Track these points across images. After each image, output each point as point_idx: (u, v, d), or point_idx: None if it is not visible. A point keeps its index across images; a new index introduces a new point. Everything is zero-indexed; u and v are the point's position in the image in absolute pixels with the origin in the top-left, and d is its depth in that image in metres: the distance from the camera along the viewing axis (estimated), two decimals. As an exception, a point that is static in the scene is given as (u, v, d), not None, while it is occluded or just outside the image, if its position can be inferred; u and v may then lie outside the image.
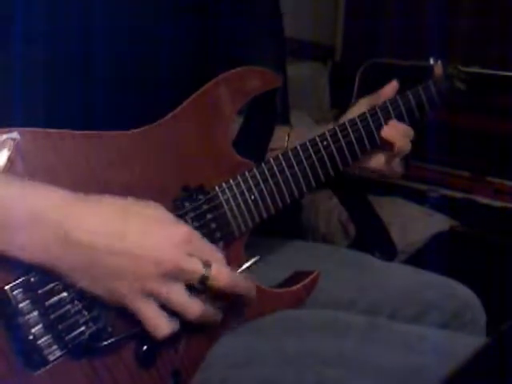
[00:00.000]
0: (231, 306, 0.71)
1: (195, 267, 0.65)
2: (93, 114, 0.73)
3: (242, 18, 0.89)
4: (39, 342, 0.63)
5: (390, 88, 0.97)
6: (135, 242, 0.63)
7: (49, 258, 0.61)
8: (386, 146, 0.94)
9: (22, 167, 0.65)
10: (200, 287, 0.66)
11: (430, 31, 2.35)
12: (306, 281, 0.83)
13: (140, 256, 0.63)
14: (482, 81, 1.12)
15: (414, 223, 1.92)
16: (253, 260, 0.73)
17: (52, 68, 0.72)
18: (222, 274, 0.66)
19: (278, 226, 0.87)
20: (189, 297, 0.65)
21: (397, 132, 0.93)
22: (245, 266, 0.72)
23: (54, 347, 0.64)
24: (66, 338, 0.64)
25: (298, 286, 0.83)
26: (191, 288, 0.66)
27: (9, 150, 0.64)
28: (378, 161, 0.96)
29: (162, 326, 0.65)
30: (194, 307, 0.66)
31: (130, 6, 0.75)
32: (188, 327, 0.70)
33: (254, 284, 0.72)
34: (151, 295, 0.64)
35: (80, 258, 0.62)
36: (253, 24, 0.92)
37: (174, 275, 0.64)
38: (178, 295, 0.65)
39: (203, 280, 0.65)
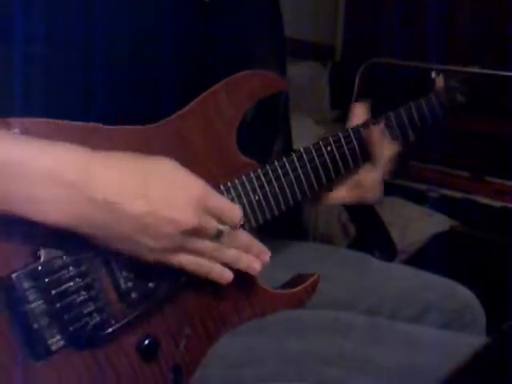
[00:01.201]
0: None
1: (210, 228, 0.67)
2: (93, 113, 0.73)
3: (241, 18, 0.89)
4: (43, 331, 0.63)
5: (360, 109, 0.95)
6: (154, 202, 0.64)
7: (74, 218, 0.62)
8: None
9: None
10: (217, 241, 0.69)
11: (430, 31, 2.35)
12: (307, 283, 0.84)
13: (159, 216, 0.64)
14: (481, 81, 1.12)
15: (414, 223, 1.92)
16: None
17: (52, 67, 0.72)
18: (235, 236, 0.70)
19: (279, 226, 0.87)
20: (215, 243, 0.69)
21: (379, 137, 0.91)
22: None
23: (58, 337, 0.64)
24: (70, 328, 0.65)
25: (299, 287, 0.83)
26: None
27: None
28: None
29: (205, 264, 0.69)
30: (223, 249, 0.70)
31: (130, 5, 0.75)
32: (190, 322, 0.70)
33: (266, 250, 0.74)
34: (180, 249, 0.67)
35: (105, 216, 0.62)
36: (253, 24, 0.92)
37: (192, 233, 0.66)
38: (204, 244, 0.68)
39: (218, 238, 0.68)
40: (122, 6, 0.74)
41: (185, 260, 0.68)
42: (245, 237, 0.72)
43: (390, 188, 2.06)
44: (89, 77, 0.74)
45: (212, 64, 0.84)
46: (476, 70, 1.13)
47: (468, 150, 2.10)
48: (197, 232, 0.66)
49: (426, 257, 1.84)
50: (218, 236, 0.68)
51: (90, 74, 0.73)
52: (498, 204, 1.96)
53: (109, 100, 0.74)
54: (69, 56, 0.72)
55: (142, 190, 0.64)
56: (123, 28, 0.75)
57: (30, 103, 0.70)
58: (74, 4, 0.72)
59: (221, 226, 0.68)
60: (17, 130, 0.64)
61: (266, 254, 0.74)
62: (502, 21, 2.36)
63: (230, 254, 0.71)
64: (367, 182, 0.92)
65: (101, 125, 0.69)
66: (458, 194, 2.04)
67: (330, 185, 0.90)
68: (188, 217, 0.65)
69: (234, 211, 0.70)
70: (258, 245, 0.74)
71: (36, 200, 0.60)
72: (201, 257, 0.69)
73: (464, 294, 0.96)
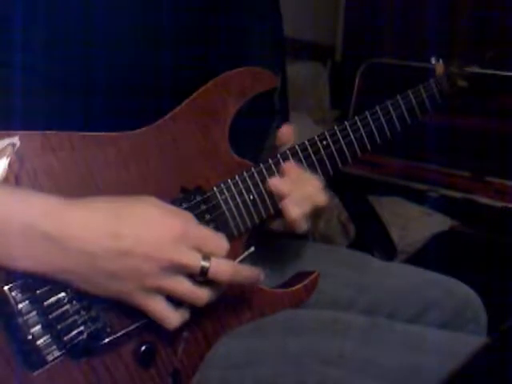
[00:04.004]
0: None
1: (194, 262, 0.65)
2: (92, 121, 0.73)
3: (241, 18, 0.89)
4: (38, 342, 0.63)
5: (287, 131, 0.88)
6: (130, 242, 0.62)
7: (50, 268, 0.62)
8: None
9: (21, 171, 0.65)
10: (201, 279, 0.66)
11: (430, 31, 2.35)
12: (306, 281, 0.83)
13: (136, 256, 0.63)
14: (481, 81, 1.12)
15: (414, 223, 1.92)
16: (247, 252, 0.72)
17: (52, 76, 0.72)
18: (221, 266, 0.66)
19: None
20: (194, 285, 0.66)
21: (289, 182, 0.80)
22: (240, 259, 0.71)
23: (53, 347, 0.64)
24: (65, 337, 0.64)
25: (298, 286, 0.83)
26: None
27: (8, 156, 0.64)
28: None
29: (171, 317, 0.66)
30: (200, 295, 0.66)
31: (130, 12, 0.75)
32: (188, 326, 0.70)
33: (255, 272, 0.71)
34: (155, 290, 0.64)
35: (79, 265, 0.62)
36: (253, 24, 0.92)
37: (173, 270, 0.64)
38: (183, 286, 0.65)
39: (203, 273, 0.65)
40: (122, 13, 0.74)
41: (156, 303, 0.65)
42: (230, 269, 0.67)
43: (390, 188, 2.06)
44: (88, 84, 0.73)
45: (212, 64, 0.84)
46: (476, 69, 1.13)
47: (468, 149, 2.10)
48: (178, 269, 0.64)
49: (426, 257, 1.84)
50: (202, 274, 0.65)
51: (89, 82, 0.73)
52: (498, 204, 1.96)
53: (109, 107, 0.74)
54: (69, 64, 0.72)
55: (113, 232, 0.62)
56: (123, 35, 0.74)
57: (29, 111, 0.70)
58: (73, 12, 0.71)
59: (205, 263, 0.65)
60: (6, 142, 0.64)
61: (258, 278, 0.71)
62: (502, 21, 2.36)
63: (205, 301, 0.67)
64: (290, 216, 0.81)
65: (91, 132, 0.69)
66: (458, 194, 2.03)
67: (328, 181, 0.88)
68: (167, 253, 0.63)
69: (219, 241, 0.68)
70: (245, 273, 0.70)
71: (10, 250, 0.60)
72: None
73: (465, 292, 0.96)
